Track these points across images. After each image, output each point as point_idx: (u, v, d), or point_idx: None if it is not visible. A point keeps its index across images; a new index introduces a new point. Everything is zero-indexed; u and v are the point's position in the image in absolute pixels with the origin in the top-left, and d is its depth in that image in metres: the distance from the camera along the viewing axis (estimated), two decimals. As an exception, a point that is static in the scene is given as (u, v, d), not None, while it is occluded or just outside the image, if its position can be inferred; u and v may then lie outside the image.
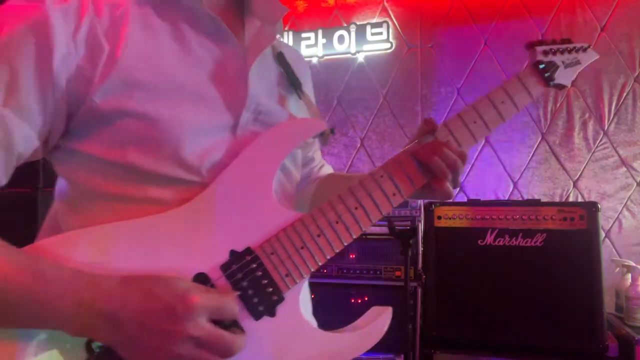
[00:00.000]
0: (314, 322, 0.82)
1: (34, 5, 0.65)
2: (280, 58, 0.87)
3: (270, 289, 0.71)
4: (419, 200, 2.27)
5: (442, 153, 0.79)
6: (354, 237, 0.77)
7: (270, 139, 0.76)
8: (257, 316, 0.70)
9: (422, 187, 0.82)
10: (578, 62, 0.90)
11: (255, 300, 0.70)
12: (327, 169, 1.09)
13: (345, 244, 0.76)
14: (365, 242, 2.09)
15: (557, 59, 0.88)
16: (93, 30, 0.66)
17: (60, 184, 0.75)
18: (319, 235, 0.74)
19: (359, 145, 2.76)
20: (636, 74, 2.38)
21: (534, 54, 0.88)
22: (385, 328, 0.78)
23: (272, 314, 0.71)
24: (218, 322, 0.63)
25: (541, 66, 0.87)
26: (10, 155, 0.65)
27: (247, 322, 0.69)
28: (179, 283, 0.62)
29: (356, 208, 0.77)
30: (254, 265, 0.70)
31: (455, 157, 0.80)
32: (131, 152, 0.68)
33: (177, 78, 0.70)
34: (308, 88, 0.96)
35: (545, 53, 0.88)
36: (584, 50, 0.90)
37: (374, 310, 0.79)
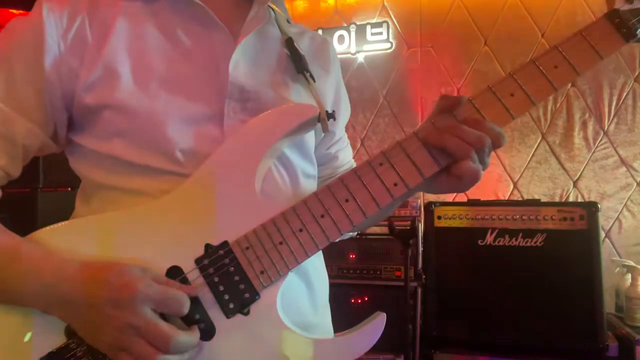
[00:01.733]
0: (323, 328, 0.79)
1: (33, 13, 0.71)
2: (288, 42, 0.83)
3: (242, 286, 0.67)
4: (419, 200, 2.27)
5: (459, 130, 0.66)
6: (343, 233, 0.70)
7: (254, 127, 0.71)
8: (229, 313, 0.67)
9: (442, 175, 0.70)
10: None
11: (227, 297, 0.67)
12: None
13: (332, 241, 0.70)
14: (365, 242, 2.09)
15: None
16: (82, 29, 0.70)
17: None
18: (300, 230, 0.69)
19: (359, 145, 2.75)
20: (636, 74, 2.38)
21: (613, 1, 0.68)
22: (376, 335, 0.71)
23: (245, 312, 0.67)
24: (186, 318, 0.64)
25: (617, 20, 0.67)
26: (14, 148, 0.70)
27: (218, 318, 0.67)
28: (132, 270, 0.62)
29: (347, 200, 0.70)
30: (227, 260, 0.68)
31: (478, 133, 0.66)
32: (116, 144, 0.71)
33: (158, 69, 0.72)
34: (325, 73, 0.90)
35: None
36: None
37: (371, 316, 0.73)
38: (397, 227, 1.83)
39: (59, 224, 0.70)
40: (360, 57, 2.78)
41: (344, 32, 2.77)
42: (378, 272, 2.04)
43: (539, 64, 0.68)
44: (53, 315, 0.64)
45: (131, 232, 0.68)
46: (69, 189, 2.06)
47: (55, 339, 0.65)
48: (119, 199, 0.71)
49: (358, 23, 2.77)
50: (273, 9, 0.87)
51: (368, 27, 2.74)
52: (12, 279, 0.64)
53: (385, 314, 0.72)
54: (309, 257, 0.70)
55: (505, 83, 0.69)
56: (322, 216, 0.70)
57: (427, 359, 1.87)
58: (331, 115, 0.78)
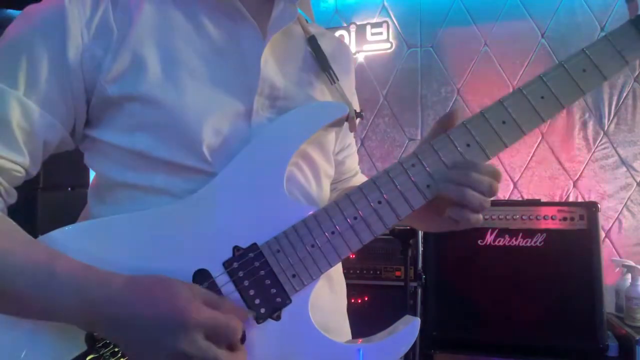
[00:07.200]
0: (343, 332, 0.79)
1: (53, 0, 0.67)
2: (311, 41, 0.82)
3: (274, 290, 0.65)
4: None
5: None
6: (375, 235, 0.69)
7: (283, 125, 0.70)
8: (259, 319, 0.65)
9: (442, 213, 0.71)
10: None
11: (257, 301, 0.65)
12: (360, 180, 0.96)
13: (365, 243, 0.69)
14: (365, 242, 2.08)
15: None
16: (106, 16, 0.67)
17: (93, 175, 0.77)
18: (332, 233, 0.68)
19: (359, 145, 2.75)
20: (636, 74, 2.38)
21: (635, 6, 0.69)
22: (411, 341, 0.69)
23: (276, 317, 0.65)
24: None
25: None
26: (36, 144, 0.67)
27: (249, 324, 0.64)
28: (181, 292, 0.59)
29: (380, 202, 0.68)
30: (257, 264, 0.66)
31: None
32: (139, 138, 0.68)
33: (186, 61, 0.69)
34: (346, 74, 0.89)
35: None
36: None
37: (401, 320, 0.72)
38: (397, 227, 1.83)
39: (78, 225, 0.67)
40: (360, 57, 2.77)
41: (344, 32, 2.76)
42: (378, 272, 2.04)
43: (567, 67, 0.67)
44: (96, 332, 0.60)
45: (155, 233, 0.66)
46: (69, 189, 2.07)
47: (75, 347, 0.61)
48: (139, 197, 0.68)
49: (358, 23, 2.77)
50: None
51: (368, 27, 2.74)
52: (53, 297, 0.58)
53: (419, 319, 0.71)
54: (341, 260, 0.69)
55: (535, 85, 0.68)
56: (355, 218, 0.68)
57: (427, 359, 1.87)
58: (359, 115, 0.77)
